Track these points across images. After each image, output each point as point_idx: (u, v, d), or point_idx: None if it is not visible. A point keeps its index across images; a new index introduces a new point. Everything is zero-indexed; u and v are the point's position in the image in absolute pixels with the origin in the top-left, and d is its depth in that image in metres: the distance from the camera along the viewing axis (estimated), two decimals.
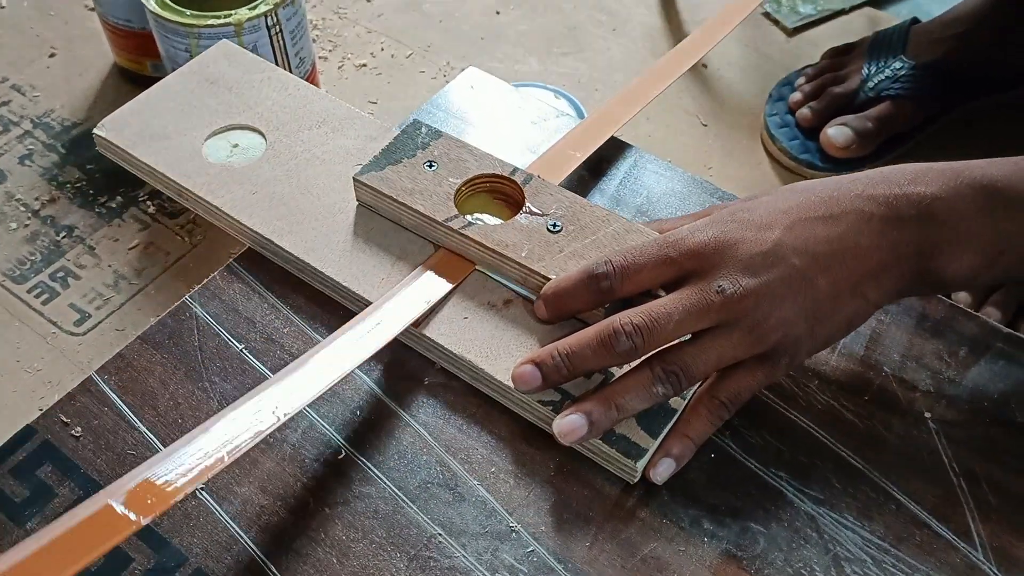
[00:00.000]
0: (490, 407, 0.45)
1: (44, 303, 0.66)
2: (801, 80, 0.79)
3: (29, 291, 0.67)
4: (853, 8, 0.88)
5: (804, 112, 0.77)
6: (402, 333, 0.46)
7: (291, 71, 0.65)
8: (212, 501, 0.42)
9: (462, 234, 0.47)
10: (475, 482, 0.42)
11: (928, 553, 0.41)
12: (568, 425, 0.41)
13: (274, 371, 0.46)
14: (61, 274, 0.67)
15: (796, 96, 0.78)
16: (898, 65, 0.74)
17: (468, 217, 0.47)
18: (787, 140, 0.77)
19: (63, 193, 0.72)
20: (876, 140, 0.74)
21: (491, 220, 0.48)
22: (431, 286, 0.46)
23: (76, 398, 0.45)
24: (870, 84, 0.74)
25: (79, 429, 0.44)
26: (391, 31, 0.88)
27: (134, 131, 0.53)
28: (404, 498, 0.42)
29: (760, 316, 0.40)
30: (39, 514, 0.42)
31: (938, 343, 0.47)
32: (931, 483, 0.43)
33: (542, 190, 0.48)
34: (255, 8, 0.64)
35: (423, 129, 0.51)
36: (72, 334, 0.63)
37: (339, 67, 0.84)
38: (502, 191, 0.49)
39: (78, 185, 0.72)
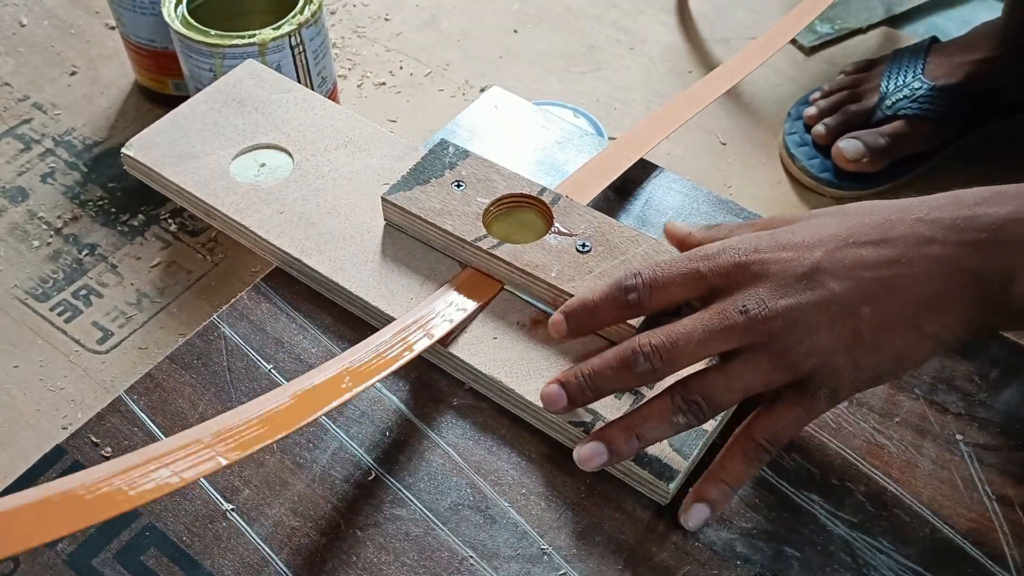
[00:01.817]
0: (520, 428, 0.45)
1: (67, 321, 0.66)
2: (817, 95, 0.79)
3: (52, 309, 0.67)
4: (870, 27, 0.88)
5: (819, 129, 0.76)
6: (431, 352, 0.46)
7: (313, 90, 0.65)
8: (243, 523, 0.42)
9: (491, 254, 0.47)
10: (506, 504, 0.42)
11: None
12: (588, 452, 0.40)
13: None
14: (84, 292, 0.68)
15: (811, 111, 0.78)
16: (916, 85, 0.74)
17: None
18: (806, 159, 0.76)
19: (85, 211, 0.73)
20: (888, 156, 0.74)
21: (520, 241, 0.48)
22: (457, 304, 0.46)
23: (106, 418, 0.45)
24: (887, 103, 0.74)
25: (109, 449, 0.44)
26: (410, 50, 0.88)
27: (162, 150, 0.54)
28: (435, 520, 0.42)
29: (791, 341, 0.38)
30: (69, 536, 0.41)
31: (969, 365, 0.47)
32: (964, 507, 0.42)
33: (570, 210, 0.48)
34: (279, 28, 0.64)
35: (451, 149, 0.51)
36: (95, 352, 0.64)
37: (358, 86, 0.84)
38: (530, 211, 0.49)
39: (100, 203, 0.72)
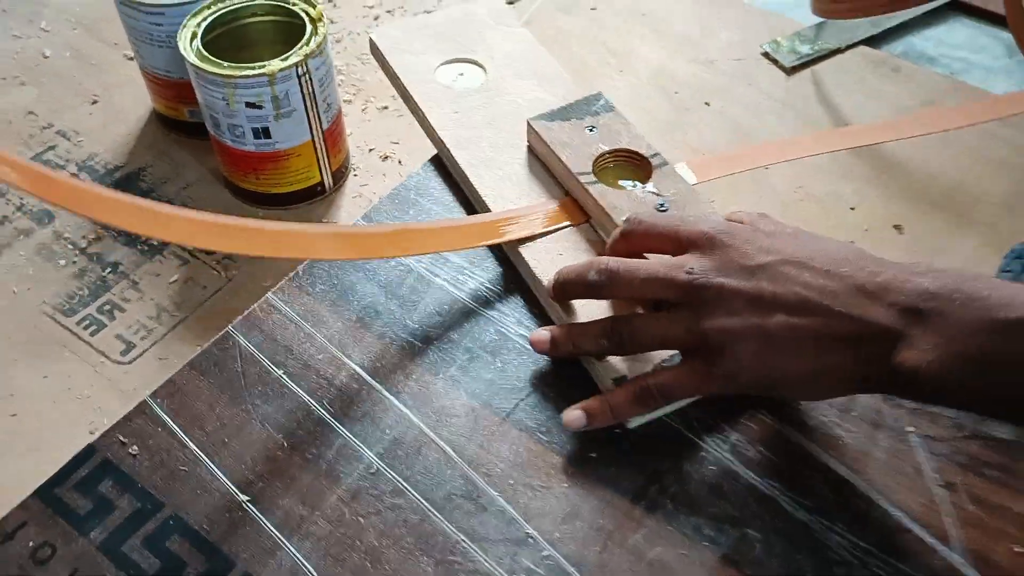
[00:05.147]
0: (509, 427, 0.49)
1: (92, 334, 0.70)
2: None
3: (78, 323, 0.71)
4: (848, 47, 0.92)
5: None
6: (507, 246, 0.56)
7: (319, 116, 0.70)
8: (257, 512, 0.46)
9: (585, 188, 0.54)
10: (495, 494, 0.47)
11: (912, 556, 0.44)
12: (537, 335, 0.49)
13: (311, 394, 0.50)
14: (108, 307, 0.72)
15: None
16: None
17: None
18: None
19: (108, 232, 0.77)
20: None
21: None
22: (545, 215, 0.56)
23: (132, 420, 0.50)
24: None
25: (136, 448, 0.48)
26: None
27: (395, 43, 0.68)
28: (431, 509, 0.46)
29: (709, 311, 0.44)
30: (101, 524, 0.46)
31: None
32: (915, 493, 0.46)
33: (669, 176, 0.55)
34: (287, 59, 0.69)
35: (601, 101, 0.59)
36: (119, 363, 0.68)
37: (363, 110, 0.89)
38: (636, 168, 0.56)
39: None
